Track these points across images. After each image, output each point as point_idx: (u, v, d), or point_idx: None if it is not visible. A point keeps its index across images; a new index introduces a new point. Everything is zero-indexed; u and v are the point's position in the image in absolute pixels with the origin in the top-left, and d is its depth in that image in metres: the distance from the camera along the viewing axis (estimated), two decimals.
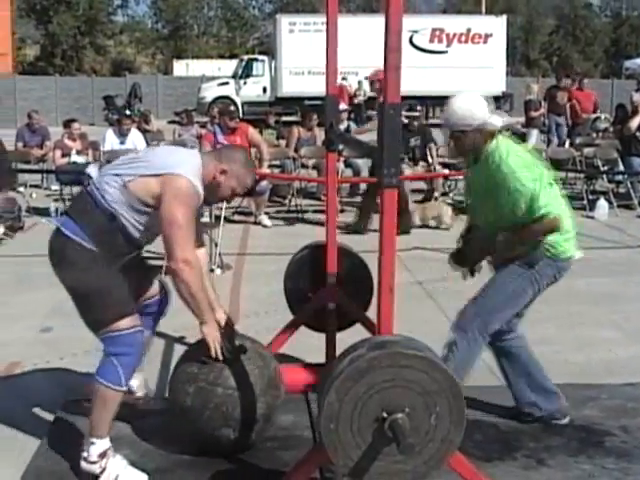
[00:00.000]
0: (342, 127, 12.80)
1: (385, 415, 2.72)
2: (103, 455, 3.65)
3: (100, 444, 3.64)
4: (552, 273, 4.03)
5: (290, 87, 29.94)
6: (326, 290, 4.57)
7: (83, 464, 3.66)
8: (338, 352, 3.36)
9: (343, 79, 27.36)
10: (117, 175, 3.63)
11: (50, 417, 4.36)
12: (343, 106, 14.38)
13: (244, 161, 3.81)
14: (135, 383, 4.31)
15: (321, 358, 4.75)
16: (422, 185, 11.62)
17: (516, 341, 4.24)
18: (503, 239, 3.91)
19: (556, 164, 12.45)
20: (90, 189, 3.69)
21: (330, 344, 4.64)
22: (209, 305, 3.66)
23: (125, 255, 3.75)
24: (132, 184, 3.56)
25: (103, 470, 3.64)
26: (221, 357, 3.67)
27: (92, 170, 3.66)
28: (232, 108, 10.92)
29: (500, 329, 4.11)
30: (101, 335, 3.61)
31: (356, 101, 27.15)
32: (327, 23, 4.25)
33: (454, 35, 30.76)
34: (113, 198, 3.59)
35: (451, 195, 11.88)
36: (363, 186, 12.51)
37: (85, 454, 3.66)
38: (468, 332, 3.98)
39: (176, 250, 3.44)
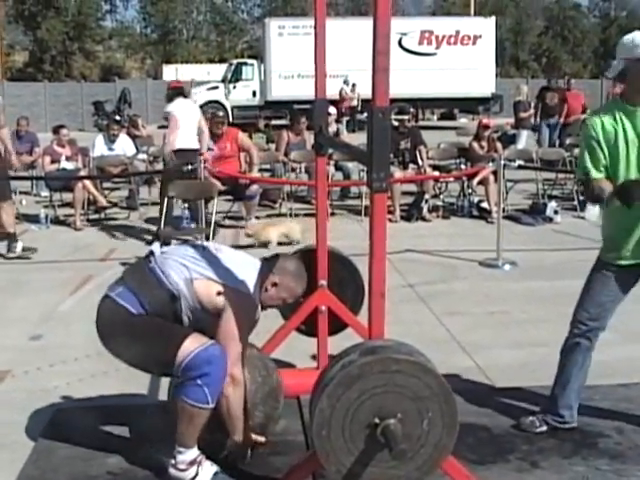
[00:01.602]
0: (331, 130, 12.80)
1: (377, 421, 2.70)
2: (193, 463, 3.65)
3: (188, 453, 3.64)
4: None
5: (279, 91, 29.96)
6: (317, 294, 4.55)
7: (172, 471, 3.66)
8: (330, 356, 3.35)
9: (344, 82, 27.46)
10: (184, 266, 3.65)
11: (40, 425, 4.33)
12: (332, 109, 14.38)
13: (296, 272, 3.85)
14: None
15: (312, 362, 4.74)
16: (413, 188, 11.62)
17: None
18: None
19: (546, 165, 12.51)
20: (152, 266, 3.68)
21: (322, 348, 4.62)
22: (243, 423, 3.71)
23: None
24: (197, 282, 3.60)
25: (194, 477, 3.64)
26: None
27: (155, 247, 3.65)
28: (221, 114, 10.89)
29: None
30: (177, 372, 3.53)
31: (350, 104, 27.24)
32: (315, 26, 4.24)
33: (443, 37, 30.85)
34: (177, 283, 3.61)
35: (442, 197, 11.88)
36: (354, 189, 12.52)
37: (173, 462, 3.65)
38: None
39: (227, 360, 3.49)
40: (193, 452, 3.65)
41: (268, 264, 3.84)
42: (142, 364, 3.70)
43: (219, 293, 3.58)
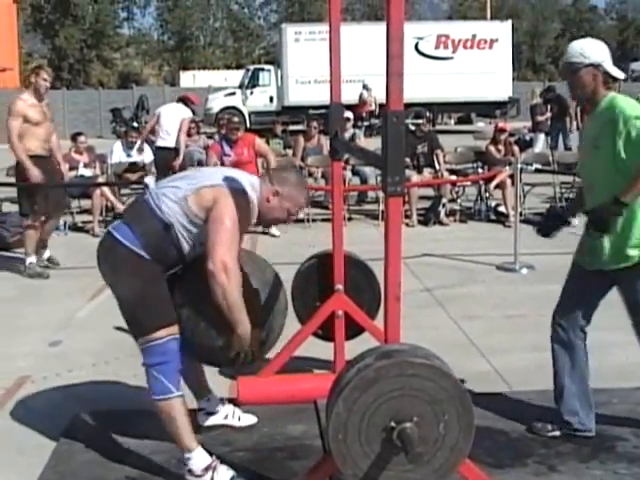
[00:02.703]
0: (347, 135, 12.82)
1: (393, 424, 2.70)
2: (208, 468, 3.66)
3: (198, 457, 3.67)
4: None
5: (296, 96, 30.00)
6: (334, 299, 4.56)
7: (188, 477, 3.68)
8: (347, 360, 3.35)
9: (364, 87, 27.47)
10: (177, 188, 3.66)
11: (59, 430, 4.35)
12: (349, 114, 14.40)
13: (296, 181, 3.88)
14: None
15: (329, 367, 4.75)
16: (430, 192, 11.61)
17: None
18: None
19: (563, 168, 12.45)
20: (147, 198, 3.72)
21: (338, 353, 4.63)
22: (243, 311, 3.61)
23: (171, 267, 3.76)
24: (191, 197, 3.59)
25: None
26: (246, 359, 3.75)
27: (150, 181, 3.73)
28: (236, 119, 10.93)
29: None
30: (140, 345, 3.62)
31: (369, 109, 27.23)
32: (330, 31, 4.25)
33: (459, 41, 30.78)
34: (170, 209, 3.61)
35: (459, 201, 11.86)
36: (371, 194, 12.52)
37: (188, 468, 3.68)
38: None
39: (217, 250, 3.44)
40: (204, 457, 3.67)
41: (268, 176, 3.89)
42: (123, 310, 3.70)
43: (211, 193, 3.58)
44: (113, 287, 3.72)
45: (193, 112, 12.82)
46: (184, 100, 12.62)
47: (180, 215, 3.60)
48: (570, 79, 3.93)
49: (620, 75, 3.94)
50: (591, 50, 3.86)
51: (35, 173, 8.05)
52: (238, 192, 3.61)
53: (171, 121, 11.95)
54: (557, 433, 4.14)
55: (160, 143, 12.02)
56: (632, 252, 3.85)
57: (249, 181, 3.74)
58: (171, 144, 11.78)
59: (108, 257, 3.69)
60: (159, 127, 12.19)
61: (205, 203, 3.56)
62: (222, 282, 3.44)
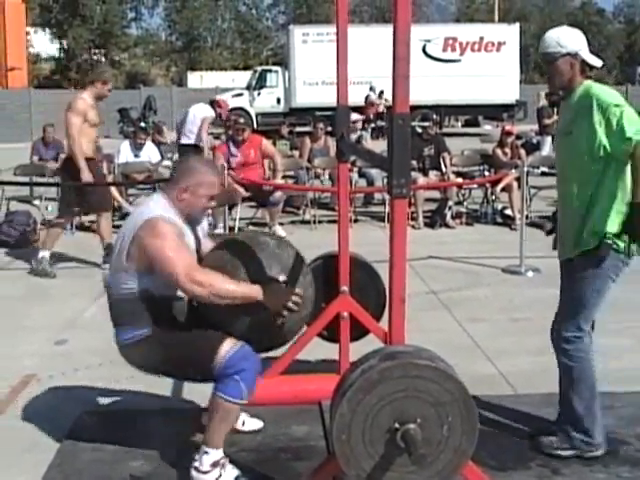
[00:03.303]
0: (354, 137, 12.82)
1: (397, 426, 2.71)
2: (216, 464, 3.67)
3: (214, 454, 3.67)
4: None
5: (304, 98, 30.03)
6: (339, 300, 4.56)
7: (194, 474, 3.68)
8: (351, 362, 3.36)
9: (370, 89, 27.48)
10: (117, 266, 3.74)
11: (65, 429, 4.37)
12: (356, 116, 14.41)
13: (197, 167, 3.87)
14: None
15: (334, 368, 4.75)
16: (436, 194, 11.61)
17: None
18: None
19: None
20: (110, 296, 3.84)
21: (343, 354, 4.64)
22: (244, 286, 3.62)
23: (175, 311, 3.84)
24: (129, 261, 3.67)
25: (217, 479, 3.67)
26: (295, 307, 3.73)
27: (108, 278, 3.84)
28: (242, 120, 10.94)
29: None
30: (216, 374, 3.59)
31: (377, 111, 27.23)
32: (337, 33, 4.27)
33: (467, 44, 30.80)
34: (129, 285, 3.69)
35: (465, 204, 11.86)
36: (378, 196, 12.53)
37: (197, 464, 3.68)
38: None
39: (173, 272, 3.51)
40: (218, 453, 3.68)
41: (171, 181, 3.93)
42: (177, 375, 3.80)
43: (137, 242, 3.62)
44: (159, 370, 3.82)
45: (220, 116, 13.25)
46: (212, 103, 13.02)
47: (137, 279, 3.68)
48: (548, 69, 3.95)
49: (597, 63, 3.92)
50: (567, 39, 3.88)
51: (87, 174, 8.21)
52: (149, 220, 3.63)
53: (196, 120, 12.26)
54: (566, 453, 3.99)
55: (184, 141, 12.44)
56: (590, 238, 3.84)
57: (155, 203, 3.78)
58: (194, 142, 12.20)
59: (135, 359, 3.79)
60: (184, 126, 12.44)
61: (141, 253, 3.62)
62: (200, 291, 3.52)
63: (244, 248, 3.83)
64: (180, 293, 3.77)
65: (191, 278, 3.49)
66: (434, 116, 13.06)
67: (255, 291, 3.59)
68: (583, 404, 3.94)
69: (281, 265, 3.83)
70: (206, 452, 3.66)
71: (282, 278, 3.78)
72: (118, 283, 3.73)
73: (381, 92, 27.47)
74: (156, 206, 3.73)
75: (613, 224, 3.77)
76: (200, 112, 12.42)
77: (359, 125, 15.12)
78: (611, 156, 3.70)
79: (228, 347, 3.57)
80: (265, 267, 3.76)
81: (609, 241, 3.76)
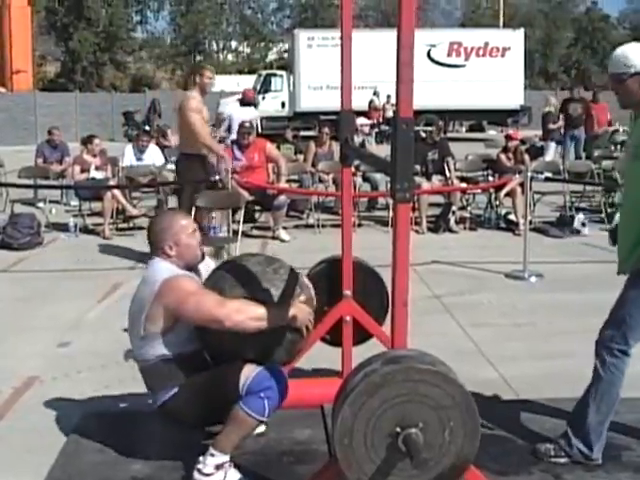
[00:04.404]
0: (357, 141, 12.85)
1: (399, 430, 2.71)
2: (219, 467, 3.68)
3: (219, 457, 3.69)
4: None
5: (308, 102, 30.04)
6: (342, 304, 4.57)
7: (197, 476, 3.69)
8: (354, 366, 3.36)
9: (374, 94, 27.50)
10: (139, 336, 3.80)
11: (67, 430, 4.38)
12: (363, 120, 14.43)
13: (163, 223, 3.94)
14: None
15: (337, 372, 4.76)
16: (440, 199, 11.62)
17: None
18: None
19: (574, 177, 12.45)
20: (140, 364, 3.91)
21: (346, 358, 4.64)
22: (278, 310, 3.66)
23: (203, 363, 3.87)
24: (144, 330, 3.75)
25: None
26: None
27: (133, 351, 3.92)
28: (247, 124, 10.97)
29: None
30: (242, 396, 3.60)
31: (385, 115, 27.24)
32: (342, 38, 4.27)
33: (472, 49, 30.82)
34: (155, 351, 3.77)
35: (469, 209, 11.86)
36: (382, 200, 12.53)
37: (200, 465, 3.69)
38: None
39: (218, 317, 3.54)
40: (224, 457, 3.68)
41: (153, 247, 3.93)
42: (219, 417, 3.74)
43: (155, 310, 3.70)
44: (204, 418, 3.84)
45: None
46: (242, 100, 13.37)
47: (159, 345, 3.76)
48: (616, 89, 3.86)
49: None
50: (635, 57, 3.76)
51: (225, 155, 8.83)
52: (163, 282, 3.70)
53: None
54: (561, 460, 3.99)
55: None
56: None
57: (157, 267, 3.84)
58: None
59: (178, 416, 3.85)
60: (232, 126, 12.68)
61: (159, 318, 3.70)
62: (238, 318, 3.53)
63: (246, 274, 3.85)
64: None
65: (226, 307, 3.55)
66: (439, 121, 13.08)
67: (284, 312, 3.65)
68: (597, 418, 3.93)
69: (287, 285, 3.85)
70: (212, 454, 3.67)
71: (302, 298, 3.82)
72: (144, 352, 3.80)
73: (388, 96, 27.48)
74: (162, 269, 3.81)
75: None
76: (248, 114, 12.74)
77: (366, 129, 15.15)
78: None
79: (251, 370, 3.60)
80: (282, 288, 3.79)
81: None
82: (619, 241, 3.98)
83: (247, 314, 3.54)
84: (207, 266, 4.09)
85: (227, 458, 3.70)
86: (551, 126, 17.20)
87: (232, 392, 3.58)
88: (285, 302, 3.70)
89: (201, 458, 3.69)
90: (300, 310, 3.71)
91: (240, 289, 3.72)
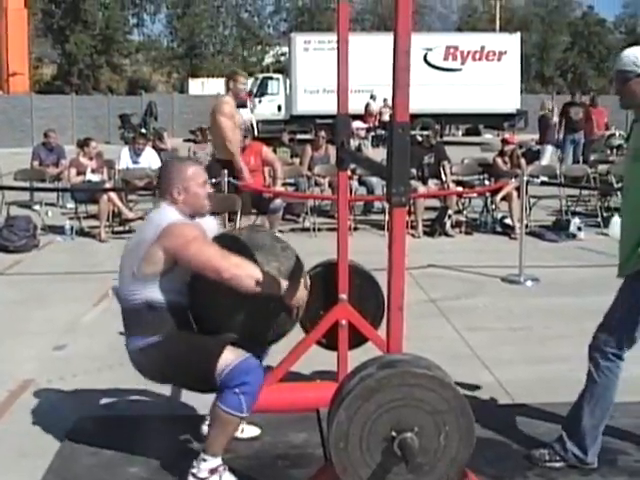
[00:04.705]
0: (353, 145, 12.85)
1: (394, 434, 2.71)
2: (214, 471, 3.68)
3: (211, 461, 3.68)
4: None
5: (305, 105, 30.04)
6: (338, 308, 4.57)
7: None
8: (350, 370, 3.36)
9: (371, 97, 27.51)
10: (130, 275, 3.75)
11: (62, 434, 4.37)
12: (359, 124, 14.43)
13: (174, 167, 3.92)
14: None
15: (332, 376, 4.76)
16: (436, 203, 11.63)
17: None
18: None
19: (570, 181, 12.47)
20: (122, 304, 3.86)
21: (341, 362, 4.64)
22: (277, 281, 3.67)
23: (187, 323, 3.83)
24: (138, 270, 3.70)
25: None
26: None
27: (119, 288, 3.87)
28: (242, 127, 10.95)
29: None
30: (217, 383, 3.61)
31: (381, 119, 27.24)
32: (338, 42, 4.28)
33: (468, 53, 30.85)
34: (137, 295, 3.73)
35: (465, 212, 11.87)
36: (378, 204, 12.54)
37: (194, 470, 3.68)
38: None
39: (218, 266, 3.53)
40: (216, 460, 3.68)
41: (161, 192, 3.90)
42: (183, 384, 3.82)
43: (155, 250, 3.65)
44: (171, 377, 3.85)
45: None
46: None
47: (147, 289, 3.71)
48: (620, 87, 3.86)
49: None
50: None
51: (247, 174, 8.68)
52: (168, 226, 3.67)
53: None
54: (556, 465, 3.99)
55: None
56: None
57: (164, 211, 3.81)
58: None
59: (143, 365, 3.83)
60: None
61: (155, 259, 3.66)
62: (238, 273, 3.53)
63: (255, 243, 3.87)
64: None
65: (227, 260, 3.54)
66: (435, 125, 13.10)
67: (282, 285, 3.67)
68: (592, 422, 3.93)
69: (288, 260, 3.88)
70: (204, 459, 3.67)
71: (302, 281, 3.83)
72: (133, 292, 3.75)
73: (385, 100, 27.48)
74: (168, 213, 3.78)
75: None
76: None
77: (362, 133, 15.14)
78: None
79: (232, 358, 3.58)
80: (285, 266, 3.81)
81: None
82: (620, 244, 3.98)
83: (246, 271, 3.54)
84: (209, 224, 4.07)
85: (219, 461, 3.69)
86: (553, 120, 17.25)
87: (208, 372, 3.58)
88: (285, 277, 3.71)
89: (194, 463, 3.69)
90: (297, 289, 3.72)
91: (245, 253, 3.72)
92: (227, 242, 3.82)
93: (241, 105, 13.64)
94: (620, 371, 3.93)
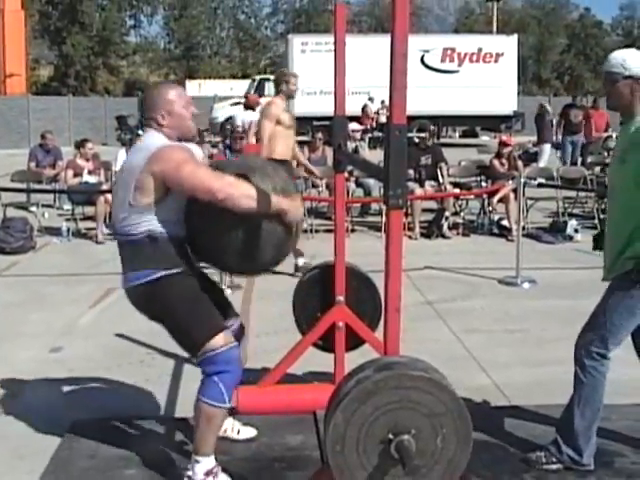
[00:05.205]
0: (350, 147, 12.85)
1: (391, 436, 2.70)
2: (209, 473, 3.67)
3: (206, 462, 3.67)
4: None
5: (302, 107, 29.97)
6: (335, 310, 4.56)
7: None
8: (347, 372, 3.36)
9: (369, 99, 27.51)
10: (124, 208, 3.63)
11: (59, 436, 4.36)
12: (355, 126, 14.43)
13: (155, 92, 3.80)
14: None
15: (329, 378, 4.76)
16: (433, 205, 11.63)
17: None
18: None
19: (567, 183, 12.47)
20: (118, 238, 3.76)
21: (338, 364, 4.64)
22: (271, 198, 3.55)
23: (187, 256, 3.75)
24: (134, 199, 3.58)
25: None
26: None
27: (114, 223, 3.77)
28: (240, 129, 10.97)
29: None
30: (199, 357, 3.63)
31: (380, 121, 27.21)
32: (335, 43, 4.28)
33: (465, 54, 30.83)
34: (136, 227, 3.61)
35: (462, 214, 11.87)
36: (375, 206, 12.54)
37: (190, 473, 3.68)
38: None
39: (212, 187, 3.43)
40: (210, 461, 3.68)
41: (147, 115, 3.78)
42: (172, 330, 3.72)
43: (147, 178, 3.54)
44: (158, 317, 3.75)
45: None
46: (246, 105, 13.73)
47: (145, 220, 3.60)
48: (607, 88, 3.87)
49: None
50: (633, 62, 3.78)
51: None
52: (157, 151, 3.56)
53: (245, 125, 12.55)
54: (553, 467, 3.99)
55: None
56: (626, 262, 3.81)
57: (151, 137, 3.70)
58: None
59: (141, 302, 3.74)
60: (234, 132, 12.74)
61: (150, 187, 3.54)
62: (232, 192, 3.44)
63: (247, 164, 3.82)
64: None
65: (221, 180, 3.46)
66: (431, 126, 13.10)
67: (277, 202, 3.57)
68: (583, 423, 3.92)
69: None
70: (197, 461, 3.66)
71: (297, 198, 3.78)
72: (130, 224, 3.63)
73: (382, 102, 27.47)
74: (156, 139, 3.66)
75: None
76: (248, 117, 12.67)
77: (358, 135, 15.14)
78: None
79: (222, 343, 3.58)
80: (279, 185, 3.70)
81: None
82: (606, 248, 3.99)
83: (240, 190, 3.45)
84: (196, 152, 3.98)
85: (213, 462, 3.69)
86: (550, 117, 17.32)
87: (195, 344, 3.61)
88: (279, 194, 3.61)
89: (189, 466, 3.69)
90: (292, 205, 3.62)
91: (238, 173, 3.62)
92: (219, 166, 3.75)
93: (249, 107, 13.66)
94: (607, 370, 3.92)
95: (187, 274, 3.70)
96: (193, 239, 3.74)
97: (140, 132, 20.85)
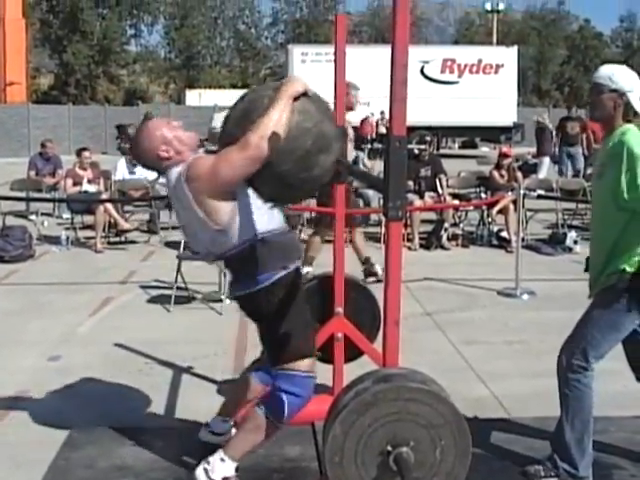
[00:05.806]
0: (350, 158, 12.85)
1: (390, 448, 2.70)
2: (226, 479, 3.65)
3: (229, 466, 3.65)
4: None
5: None
6: (333, 321, 4.56)
7: (200, 474, 3.64)
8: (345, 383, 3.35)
9: (372, 113, 27.54)
10: (207, 237, 3.55)
11: (57, 445, 4.35)
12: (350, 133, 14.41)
13: (144, 137, 3.67)
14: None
15: (328, 390, 4.75)
16: (432, 216, 11.63)
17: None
18: None
19: (566, 195, 12.47)
20: (222, 258, 3.68)
21: (337, 375, 4.63)
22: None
23: (291, 239, 3.79)
24: (216, 225, 3.47)
25: None
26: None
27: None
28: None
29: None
30: (278, 369, 3.62)
31: (380, 131, 27.25)
32: (335, 53, 4.29)
33: (465, 66, 30.90)
34: (234, 238, 3.52)
35: (461, 226, 11.87)
36: (374, 217, 12.53)
37: (208, 466, 3.64)
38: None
39: (245, 153, 3.21)
40: (231, 467, 3.65)
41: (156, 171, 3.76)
42: (269, 335, 3.68)
43: (207, 197, 3.41)
44: (266, 324, 3.69)
45: None
46: None
47: (229, 229, 3.49)
48: (592, 99, 3.91)
49: None
50: (621, 77, 3.81)
51: None
52: (181, 175, 3.47)
53: None
54: None
55: None
56: (608, 278, 3.88)
57: (171, 172, 3.58)
58: None
59: (255, 311, 3.68)
60: None
61: (213, 206, 3.42)
62: (266, 129, 3.18)
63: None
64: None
65: (250, 142, 3.19)
66: (430, 138, 13.10)
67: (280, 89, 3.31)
68: (574, 435, 3.92)
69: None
70: (222, 459, 3.64)
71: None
72: (225, 243, 3.53)
73: (382, 112, 27.51)
74: (174, 171, 3.54)
75: (632, 266, 3.78)
76: None
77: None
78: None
79: (307, 368, 3.61)
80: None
81: (627, 276, 3.78)
82: (590, 265, 4.04)
83: (265, 125, 3.17)
84: None
85: (233, 471, 3.66)
86: (550, 129, 17.34)
87: (280, 356, 3.60)
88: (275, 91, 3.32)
89: (210, 459, 3.65)
90: (289, 83, 3.32)
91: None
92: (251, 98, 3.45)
93: None
94: (590, 382, 3.92)
95: (295, 272, 3.69)
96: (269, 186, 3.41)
97: None
